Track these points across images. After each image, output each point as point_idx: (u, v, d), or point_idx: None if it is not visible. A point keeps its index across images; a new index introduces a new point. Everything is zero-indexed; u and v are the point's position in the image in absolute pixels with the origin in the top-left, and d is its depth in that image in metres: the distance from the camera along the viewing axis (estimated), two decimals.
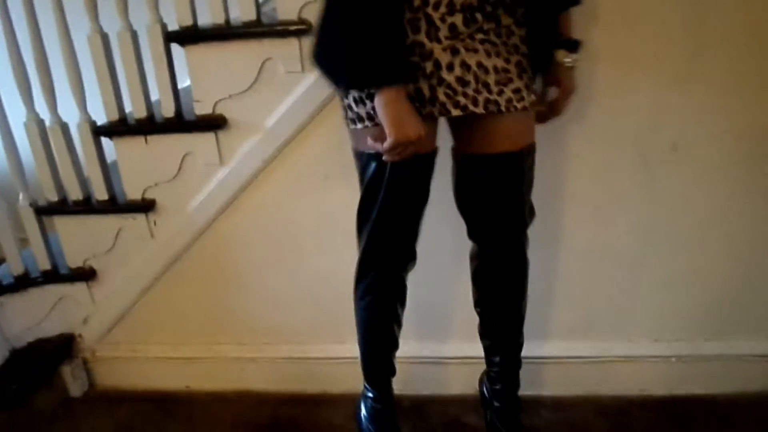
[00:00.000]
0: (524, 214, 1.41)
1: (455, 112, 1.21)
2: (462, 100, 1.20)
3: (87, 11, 1.74)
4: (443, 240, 1.73)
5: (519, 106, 1.23)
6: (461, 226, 1.47)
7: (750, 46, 1.56)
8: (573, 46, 1.38)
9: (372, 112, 1.21)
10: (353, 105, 1.26)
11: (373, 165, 1.30)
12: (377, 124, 1.20)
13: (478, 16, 1.19)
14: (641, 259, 1.79)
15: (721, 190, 1.70)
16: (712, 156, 1.67)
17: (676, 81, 1.60)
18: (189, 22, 1.69)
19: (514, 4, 1.23)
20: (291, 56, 1.65)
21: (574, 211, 1.75)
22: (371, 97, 1.19)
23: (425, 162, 1.32)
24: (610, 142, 1.67)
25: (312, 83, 1.66)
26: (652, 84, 1.60)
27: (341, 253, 1.82)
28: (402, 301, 1.53)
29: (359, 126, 1.26)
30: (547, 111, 1.46)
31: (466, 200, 1.42)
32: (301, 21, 1.62)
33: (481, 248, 1.48)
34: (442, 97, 1.20)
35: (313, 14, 1.60)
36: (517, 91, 1.23)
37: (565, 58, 1.37)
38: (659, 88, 1.61)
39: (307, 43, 1.63)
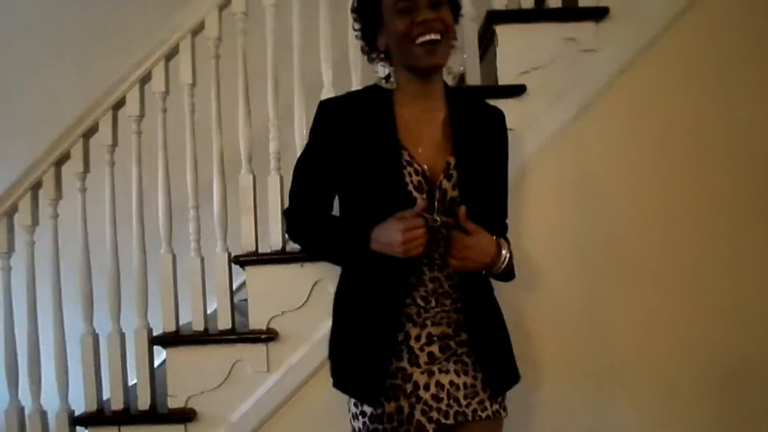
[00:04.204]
0: None
1: (430, 427, 1.41)
2: (435, 415, 1.41)
3: (83, 314, 2.02)
4: None
5: (483, 415, 1.44)
6: None
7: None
8: None
9: (361, 427, 1.42)
10: (352, 419, 1.47)
11: None
12: None
13: (452, 343, 1.44)
14: None
15: None
16: None
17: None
18: (172, 328, 1.98)
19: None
20: (258, 359, 1.93)
21: None
22: (363, 414, 1.41)
23: None
24: None
25: (275, 382, 1.92)
26: None
27: None
28: None
29: None
30: None
31: None
32: (269, 330, 1.92)
33: None
34: (418, 415, 1.41)
35: (279, 325, 1.94)
36: (481, 402, 1.44)
37: None
38: None
39: (274, 348, 1.93)
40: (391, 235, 1.31)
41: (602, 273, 2.01)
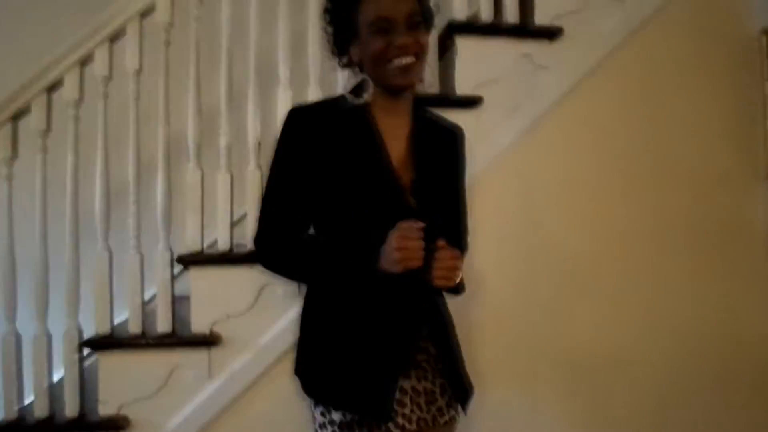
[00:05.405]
0: None
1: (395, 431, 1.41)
2: (400, 420, 1.41)
3: (4, 312, 1.85)
4: None
5: (441, 421, 1.47)
6: None
7: None
8: None
9: None
10: (318, 428, 1.42)
11: None
12: None
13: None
14: None
15: None
16: None
17: None
18: (106, 330, 1.86)
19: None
20: (199, 365, 1.84)
21: None
22: (333, 423, 1.38)
23: None
24: None
25: (216, 389, 1.84)
26: None
27: None
28: None
29: None
30: None
31: None
32: (212, 335, 1.84)
33: None
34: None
35: (222, 329, 1.86)
36: (440, 408, 1.47)
37: None
38: None
39: (216, 353, 1.85)
40: (388, 246, 1.28)
41: (543, 285, 2.07)
